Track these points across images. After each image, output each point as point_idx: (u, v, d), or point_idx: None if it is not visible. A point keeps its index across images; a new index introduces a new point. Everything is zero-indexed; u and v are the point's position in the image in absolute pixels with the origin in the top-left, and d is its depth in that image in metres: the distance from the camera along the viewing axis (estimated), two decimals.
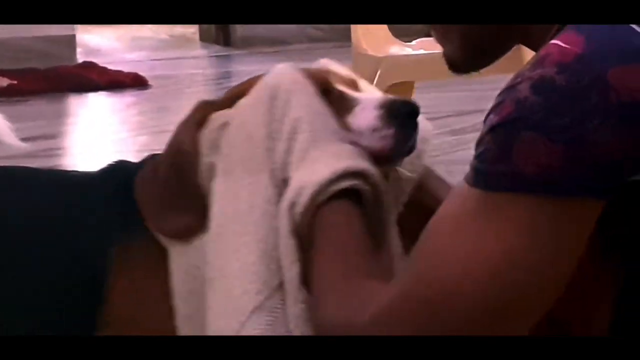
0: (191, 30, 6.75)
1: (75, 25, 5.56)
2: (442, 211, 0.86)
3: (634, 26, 0.80)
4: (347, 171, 0.96)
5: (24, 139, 4.05)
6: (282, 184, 1.01)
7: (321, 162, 0.98)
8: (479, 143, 0.83)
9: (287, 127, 1.02)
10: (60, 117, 4.19)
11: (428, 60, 2.31)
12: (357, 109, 1.04)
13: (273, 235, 0.99)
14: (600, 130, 0.75)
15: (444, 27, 1.03)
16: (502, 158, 0.79)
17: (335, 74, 1.13)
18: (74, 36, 5.52)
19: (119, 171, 1.14)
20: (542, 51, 0.81)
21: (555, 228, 0.80)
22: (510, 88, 0.81)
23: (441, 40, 1.04)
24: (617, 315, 0.89)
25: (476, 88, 4.01)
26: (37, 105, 4.29)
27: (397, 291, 0.85)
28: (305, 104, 1.04)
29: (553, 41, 0.81)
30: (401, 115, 1.02)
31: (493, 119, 0.82)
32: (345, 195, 0.97)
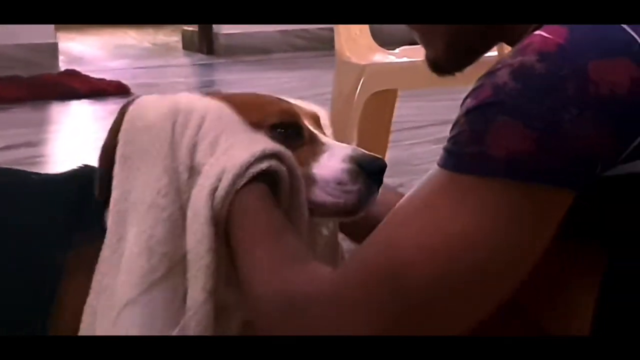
0: (174, 38, 6.72)
1: (58, 34, 5.54)
2: (413, 191, 0.87)
3: None
4: (265, 153, 0.96)
5: (6, 147, 4.05)
6: (187, 173, 0.99)
7: (238, 148, 0.98)
8: (453, 126, 0.84)
9: (194, 122, 1.01)
10: (42, 125, 4.18)
11: (411, 69, 2.30)
12: (324, 156, 1.02)
13: (161, 228, 0.97)
14: (576, 122, 0.76)
15: (427, 28, 1.03)
16: (474, 141, 0.80)
17: (302, 109, 1.11)
18: (56, 44, 5.51)
19: (82, 175, 1.13)
20: (526, 40, 0.81)
21: (518, 213, 0.80)
22: (490, 73, 0.81)
23: (424, 42, 1.04)
24: (601, 308, 0.88)
25: (459, 97, 4.01)
26: (20, 113, 4.28)
27: (357, 262, 0.86)
28: (214, 108, 1.04)
29: (537, 31, 0.81)
30: (370, 173, 1.00)
31: (470, 102, 0.82)
32: (262, 179, 0.97)
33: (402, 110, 2.94)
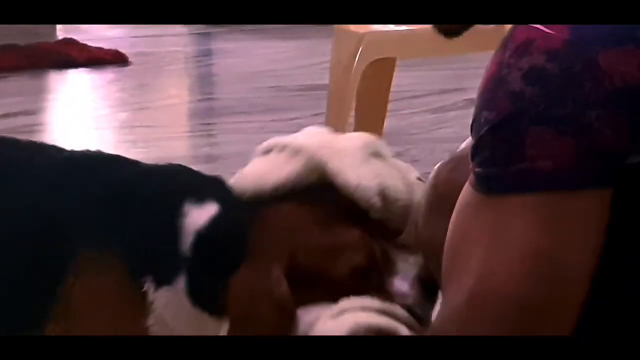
0: None
1: None
2: (457, 228, 0.86)
3: None
4: None
5: (3, 115, 4.03)
6: None
7: None
8: (478, 145, 0.81)
9: None
10: (40, 93, 4.17)
11: (410, 37, 2.33)
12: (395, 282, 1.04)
13: None
14: (601, 118, 0.75)
15: None
16: (514, 158, 0.78)
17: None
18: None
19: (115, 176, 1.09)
20: (521, 34, 0.80)
21: (575, 221, 0.80)
22: (499, 80, 0.80)
23: None
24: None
25: (457, 67, 4.04)
26: (17, 82, 4.26)
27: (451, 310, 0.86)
28: None
29: (534, 25, 0.79)
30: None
31: (489, 116, 0.80)
32: None
33: (401, 80, 2.96)
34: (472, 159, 0.82)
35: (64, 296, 1.04)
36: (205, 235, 1.01)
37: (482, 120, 0.80)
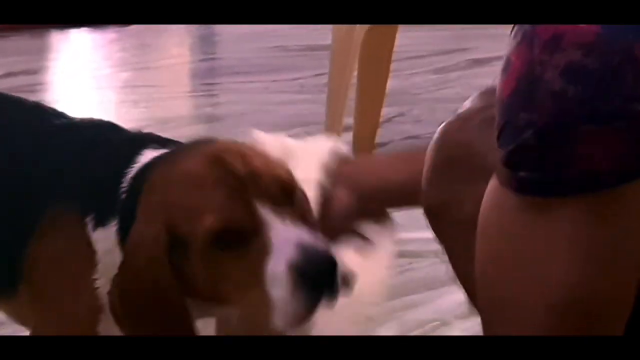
0: None
1: None
2: (503, 232, 0.87)
3: None
4: None
5: (5, 75, 4.04)
6: None
7: None
8: (523, 149, 0.81)
9: None
10: (41, 52, 4.21)
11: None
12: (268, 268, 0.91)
13: None
14: None
15: None
16: (570, 160, 0.78)
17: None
18: None
19: (102, 136, 1.07)
20: (545, 29, 0.79)
21: (636, 211, 0.81)
22: (534, 80, 0.79)
23: None
24: None
25: (460, 27, 4.05)
26: (19, 41, 4.29)
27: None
28: None
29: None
30: (315, 281, 0.89)
31: (532, 118, 0.79)
32: None
33: (402, 40, 2.96)
34: (512, 163, 0.81)
35: (31, 255, 1.04)
36: (134, 178, 0.99)
37: (522, 123, 0.79)
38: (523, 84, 0.79)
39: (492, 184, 0.87)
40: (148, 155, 1.00)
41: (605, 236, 0.80)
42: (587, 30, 0.76)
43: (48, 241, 1.03)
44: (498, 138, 0.83)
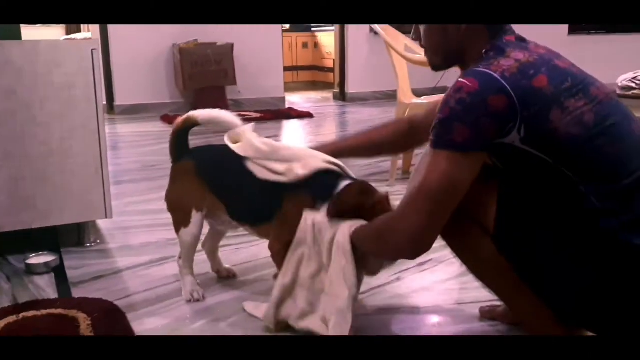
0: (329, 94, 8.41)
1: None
2: (423, 160, 1.51)
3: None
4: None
5: None
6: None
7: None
8: (434, 127, 1.42)
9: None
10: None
11: (428, 104, 3.54)
12: None
13: None
14: (480, 120, 1.38)
15: (427, 43, 1.60)
16: (446, 134, 1.39)
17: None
18: (283, 98, 7.37)
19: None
20: (458, 84, 1.40)
21: (465, 163, 1.42)
22: (447, 100, 1.40)
23: (430, 55, 1.63)
24: (498, 212, 1.50)
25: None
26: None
27: (412, 195, 1.46)
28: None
29: (460, 79, 1.41)
30: None
31: (439, 115, 1.40)
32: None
33: None
34: (431, 131, 1.43)
35: (282, 207, 1.86)
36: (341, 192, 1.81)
37: (436, 117, 1.41)
38: (442, 103, 1.42)
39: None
40: (344, 183, 1.81)
41: (454, 170, 1.39)
42: (469, 87, 1.39)
43: (291, 201, 1.86)
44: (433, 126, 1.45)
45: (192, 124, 2.05)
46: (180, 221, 2.05)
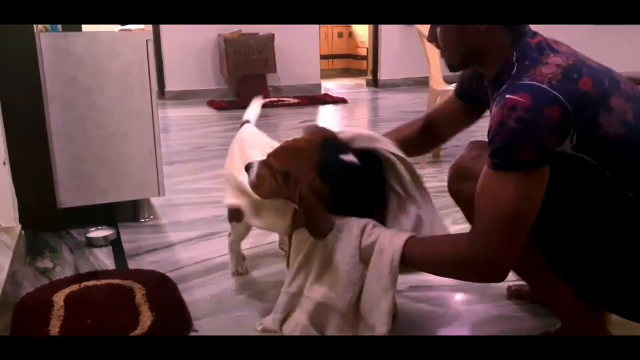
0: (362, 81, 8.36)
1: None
2: (482, 186, 1.32)
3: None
4: None
5: None
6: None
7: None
8: (495, 150, 1.28)
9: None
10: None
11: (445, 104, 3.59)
12: None
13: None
14: (543, 137, 1.25)
15: (444, 44, 1.46)
16: (512, 156, 1.26)
17: None
18: (319, 85, 7.33)
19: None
20: (509, 102, 1.25)
21: (536, 180, 1.29)
22: (503, 123, 1.25)
23: (447, 56, 1.49)
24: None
25: None
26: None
27: (489, 225, 1.31)
28: None
29: (509, 96, 1.27)
30: None
31: (498, 137, 1.26)
32: None
33: None
34: (492, 155, 1.28)
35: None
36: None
37: (497, 139, 1.26)
38: (499, 124, 1.27)
39: (483, 169, 1.34)
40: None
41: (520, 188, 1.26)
42: (523, 104, 1.25)
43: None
44: (488, 146, 1.31)
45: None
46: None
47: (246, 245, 2.28)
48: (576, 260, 1.39)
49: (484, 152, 1.37)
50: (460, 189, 1.54)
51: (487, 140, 1.33)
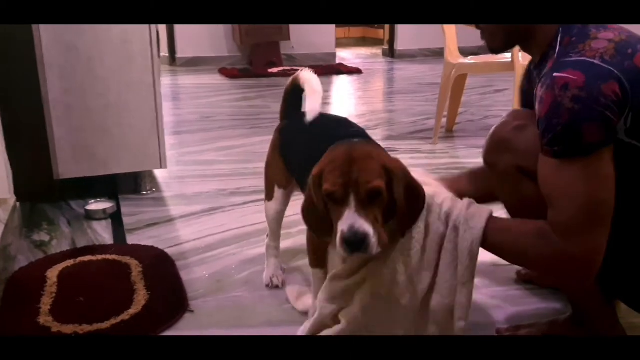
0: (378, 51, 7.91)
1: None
2: (549, 177, 1.18)
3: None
4: None
5: None
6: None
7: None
8: (554, 138, 1.14)
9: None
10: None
11: (474, 64, 3.51)
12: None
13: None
14: (604, 117, 1.13)
15: (488, 29, 1.34)
16: (576, 140, 1.13)
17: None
18: (334, 54, 7.22)
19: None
20: (559, 80, 1.13)
21: (606, 159, 1.15)
22: (558, 104, 1.13)
23: (489, 39, 1.36)
24: None
25: (492, 79, 4.81)
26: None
27: (574, 219, 1.17)
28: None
29: (556, 74, 1.14)
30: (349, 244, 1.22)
31: (556, 121, 1.13)
32: None
33: (469, 82, 3.85)
34: (551, 143, 1.15)
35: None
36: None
37: (555, 123, 1.13)
38: (553, 107, 1.14)
39: (540, 157, 1.20)
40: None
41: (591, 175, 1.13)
42: (577, 82, 1.12)
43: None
44: (541, 134, 1.18)
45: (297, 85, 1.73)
46: (266, 193, 1.83)
47: (252, 221, 2.21)
48: (609, 249, 1.25)
49: (529, 123, 1.25)
50: (497, 161, 1.40)
51: (528, 109, 1.20)
